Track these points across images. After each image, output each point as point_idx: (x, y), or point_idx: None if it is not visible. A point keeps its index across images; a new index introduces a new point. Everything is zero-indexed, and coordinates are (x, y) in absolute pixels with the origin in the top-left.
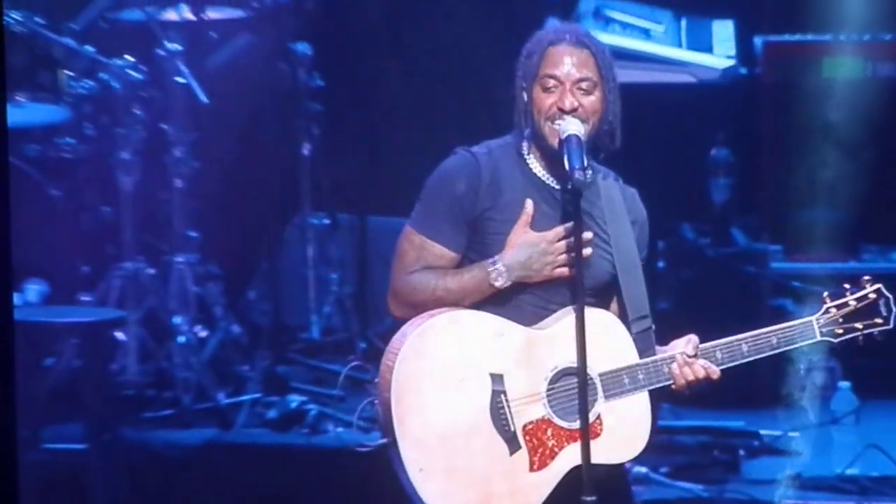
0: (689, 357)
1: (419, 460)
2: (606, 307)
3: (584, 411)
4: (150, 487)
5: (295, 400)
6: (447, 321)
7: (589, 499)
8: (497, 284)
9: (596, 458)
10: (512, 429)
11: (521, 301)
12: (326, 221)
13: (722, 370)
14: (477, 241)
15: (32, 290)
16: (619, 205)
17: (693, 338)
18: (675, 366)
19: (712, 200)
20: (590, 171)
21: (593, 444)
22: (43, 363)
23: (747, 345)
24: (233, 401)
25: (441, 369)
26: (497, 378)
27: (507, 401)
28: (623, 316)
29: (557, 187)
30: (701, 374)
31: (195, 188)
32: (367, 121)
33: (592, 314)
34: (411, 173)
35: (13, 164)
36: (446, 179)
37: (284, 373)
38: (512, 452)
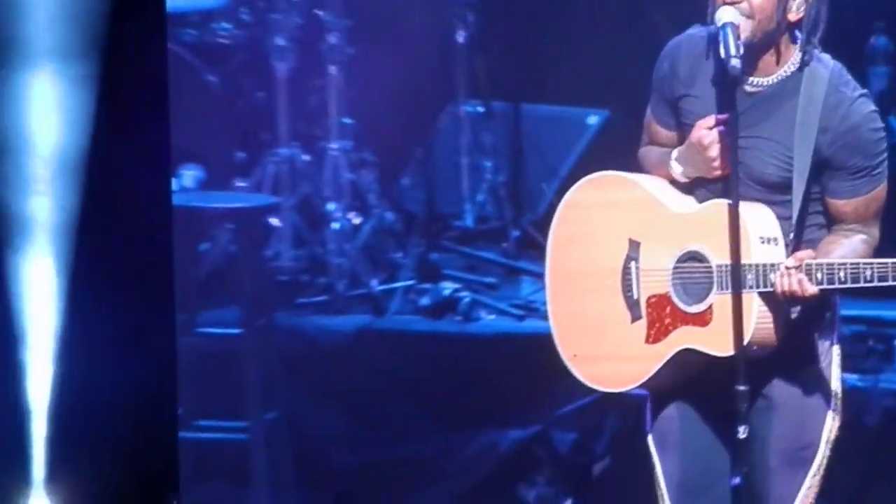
0: (789, 268)
1: (552, 288)
2: (785, 210)
3: (737, 305)
4: (303, 373)
5: (448, 287)
6: (600, 180)
7: (742, 388)
8: (675, 176)
9: (700, 345)
10: (636, 296)
11: (698, 196)
12: (480, 109)
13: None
14: (679, 125)
15: (189, 175)
16: (813, 108)
17: (807, 252)
18: (776, 274)
19: (870, 90)
20: (738, 62)
21: (700, 331)
22: (198, 248)
23: (844, 272)
24: (386, 287)
25: (586, 221)
26: (634, 244)
27: (637, 269)
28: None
29: (748, 83)
30: (795, 287)
31: (350, 75)
32: (523, 8)
33: (743, 208)
34: (566, 61)
35: (171, 49)
36: (659, 60)
37: (438, 260)
38: (633, 320)
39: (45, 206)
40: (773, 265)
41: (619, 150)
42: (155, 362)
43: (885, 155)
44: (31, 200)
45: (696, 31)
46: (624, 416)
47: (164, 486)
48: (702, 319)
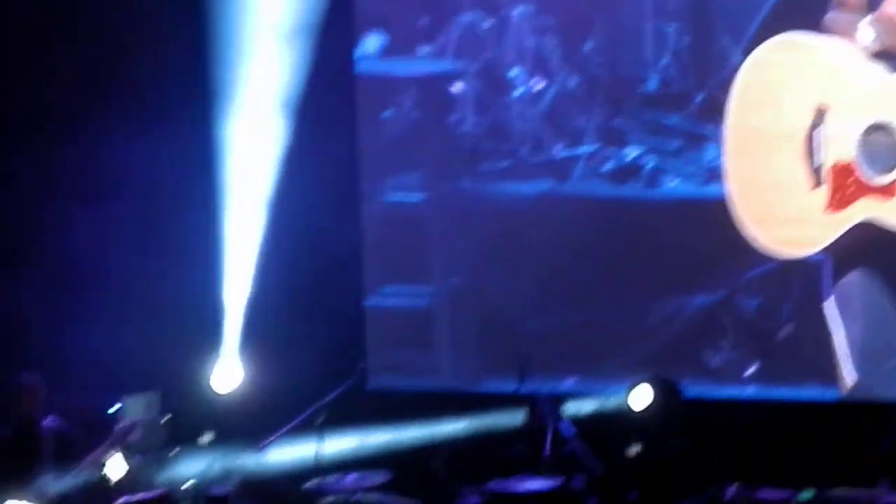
0: None
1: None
2: None
3: None
4: (486, 239)
5: (631, 152)
6: (787, 42)
7: None
8: (864, 44)
9: (883, 217)
10: (819, 163)
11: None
12: None
13: None
14: None
15: (372, 41)
16: None
17: None
18: None
19: None
20: None
21: (883, 203)
22: (382, 115)
23: None
24: (569, 153)
25: (771, 84)
26: (820, 111)
27: (822, 135)
28: None
29: None
30: None
31: None
32: None
33: None
34: None
35: None
36: None
37: (621, 125)
38: (814, 187)
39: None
40: None
41: (805, 11)
42: (341, 231)
43: None
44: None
45: None
46: (807, 281)
47: (352, 352)
48: (887, 191)
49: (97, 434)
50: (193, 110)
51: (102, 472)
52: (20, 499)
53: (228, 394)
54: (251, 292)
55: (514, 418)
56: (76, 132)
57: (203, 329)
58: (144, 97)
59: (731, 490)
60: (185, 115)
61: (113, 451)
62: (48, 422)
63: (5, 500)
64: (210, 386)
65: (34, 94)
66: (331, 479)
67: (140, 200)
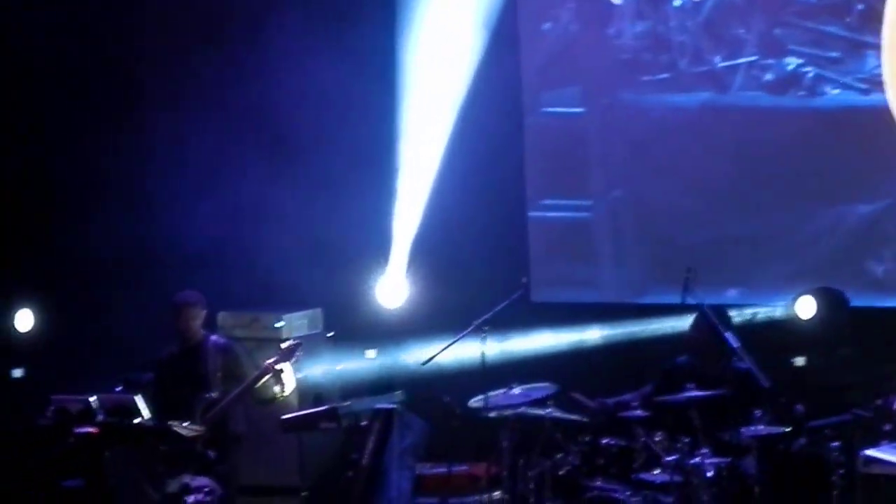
0: None
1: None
2: None
3: None
4: (647, 151)
5: (792, 62)
6: None
7: None
8: None
9: None
10: None
11: None
12: None
13: None
14: None
15: None
16: None
17: None
18: None
19: None
20: None
21: None
22: (542, 28)
23: None
24: (729, 63)
25: None
26: None
27: None
28: None
29: None
30: None
31: None
32: None
33: None
34: None
35: None
36: None
37: (781, 35)
38: None
39: None
40: None
41: None
42: (505, 145)
43: None
44: None
45: None
46: None
47: (515, 265)
48: None
49: (263, 351)
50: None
51: (268, 388)
52: (187, 418)
53: (394, 309)
54: (420, 209)
55: (678, 330)
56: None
57: (370, 245)
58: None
59: None
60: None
61: (279, 368)
62: (214, 339)
63: (174, 419)
64: (376, 302)
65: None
66: (496, 393)
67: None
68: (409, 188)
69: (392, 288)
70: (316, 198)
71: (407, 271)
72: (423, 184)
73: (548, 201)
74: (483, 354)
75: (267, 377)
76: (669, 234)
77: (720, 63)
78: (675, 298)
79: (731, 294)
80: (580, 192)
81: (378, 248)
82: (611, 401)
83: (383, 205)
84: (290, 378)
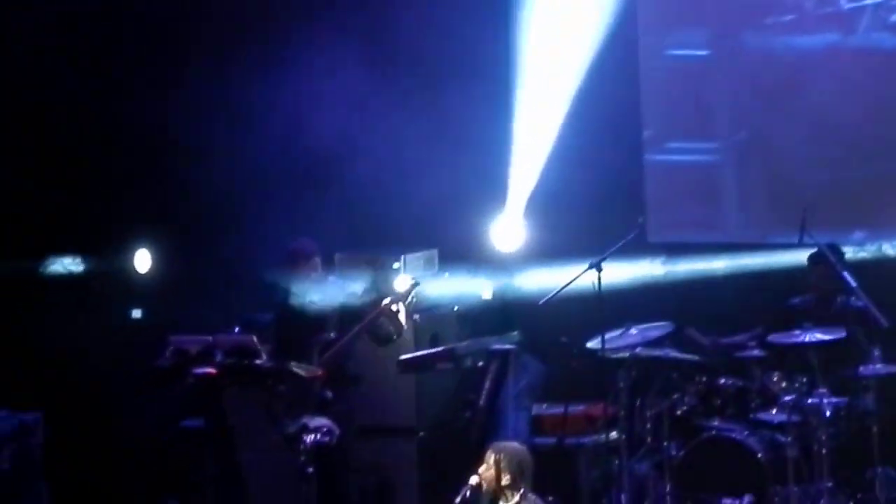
0: None
1: None
2: None
3: None
4: (773, 93)
5: None
6: None
7: None
8: None
9: None
10: None
11: None
12: None
13: None
14: None
15: None
16: None
17: None
18: None
19: None
20: None
21: None
22: None
23: None
24: (856, 5)
25: None
26: None
27: None
28: None
29: None
30: None
31: None
32: None
33: None
34: None
35: None
36: None
37: None
38: None
39: None
40: None
41: None
42: (619, 87)
43: None
44: None
45: None
46: None
47: (632, 207)
48: None
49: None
50: None
51: (384, 329)
52: (305, 359)
53: (510, 251)
54: (537, 151)
55: (796, 269)
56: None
57: (487, 187)
58: None
59: None
60: None
61: (395, 308)
62: (335, 279)
63: (292, 360)
64: (493, 243)
65: None
66: (613, 333)
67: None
68: (527, 131)
69: (509, 229)
70: (434, 140)
71: (524, 213)
72: (541, 127)
73: (670, 144)
74: (600, 295)
75: (382, 318)
76: (793, 175)
77: (846, 4)
78: (795, 239)
79: (856, 236)
80: (703, 135)
81: (495, 190)
82: (725, 340)
83: (500, 148)
84: (404, 319)
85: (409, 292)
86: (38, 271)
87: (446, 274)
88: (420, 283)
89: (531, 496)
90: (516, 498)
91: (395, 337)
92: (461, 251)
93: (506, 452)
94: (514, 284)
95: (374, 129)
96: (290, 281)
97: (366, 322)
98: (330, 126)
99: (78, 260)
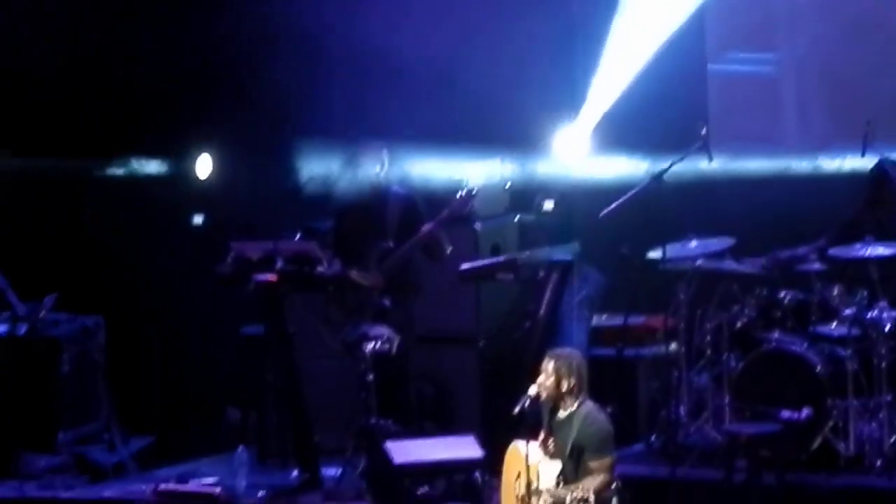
0: None
1: None
2: None
3: None
4: (834, 4)
5: None
6: None
7: None
8: None
9: None
10: None
11: None
12: None
13: None
14: None
15: None
16: None
17: None
18: None
19: None
20: None
21: None
22: None
23: None
24: None
25: None
26: None
27: None
28: None
29: None
30: None
31: None
32: None
33: None
34: None
35: None
36: None
37: None
38: None
39: None
40: None
41: None
42: None
43: None
44: None
45: None
46: None
47: (694, 118)
48: None
49: (441, 200)
50: None
51: (443, 239)
52: (365, 266)
53: (572, 164)
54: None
55: (857, 183)
56: None
57: (553, 99)
58: None
59: None
60: None
61: (455, 217)
62: (396, 189)
63: (353, 267)
64: (556, 154)
65: None
66: (673, 246)
67: None
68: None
69: (574, 142)
70: (501, 50)
71: (591, 127)
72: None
73: (730, 54)
74: (661, 207)
75: (439, 232)
76: (855, 88)
77: None
78: (856, 152)
79: None
80: (764, 46)
81: (562, 101)
82: (785, 253)
83: (563, 60)
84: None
85: (467, 201)
86: (100, 173)
87: (509, 184)
88: (478, 194)
89: (589, 402)
90: (575, 405)
91: (446, 253)
92: (526, 161)
93: (564, 359)
94: (576, 194)
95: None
96: (354, 180)
97: (424, 233)
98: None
99: (140, 163)
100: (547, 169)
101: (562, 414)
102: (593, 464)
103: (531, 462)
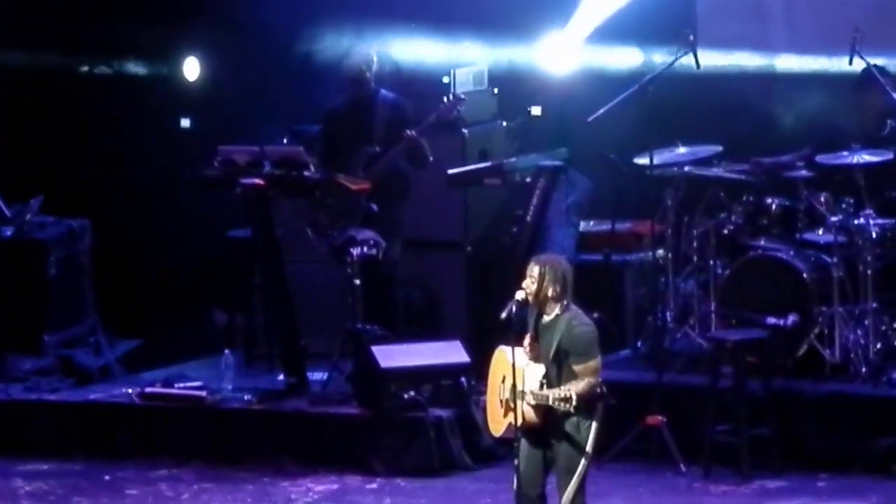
0: None
1: None
2: None
3: None
4: None
5: None
6: None
7: None
8: None
9: None
10: None
11: None
12: None
13: None
14: None
15: None
16: None
17: None
18: None
19: None
20: None
21: None
22: None
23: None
24: None
25: None
26: None
27: None
28: None
29: None
30: None
31: None
32: None
33: None
34: None
35: None
36: None
37: None
38: None
39: None
40: None
41: None
42: None
43: None
44: None
45: None
46: None
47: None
48: None
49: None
50: None
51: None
52: (352, 171)
53: (559, 73)
54: None
55: (844, 89)
56: None
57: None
58: None
59: None
60: None
61: (442, 122)
62: (384, 94)
63: (340, 172)
64: (544, 61)
65: None
66: (661, 152)
67: None
68: None
69: (561, 51)
70: None
71: (579, 37)
72: None
73: None
74: (649, 112)
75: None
76: None
77: None
78: (843, 58)
79: None
80: None
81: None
82: (770, 160)
83: None
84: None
85: (454, 106)
86: (88, 72)
87: (496, 90)
88: (465, 99)
89: (574, 307)
90: (558, 310)
91: (428, 161)
92: (513, 68)
93: (549, 264)
94: (564, 100)
95: None
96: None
97: (407, 140)
98: None
99: (128, 64)
100: (535, 74)
101: (546, 318)
102: (577, 367)
103: (517, 366)
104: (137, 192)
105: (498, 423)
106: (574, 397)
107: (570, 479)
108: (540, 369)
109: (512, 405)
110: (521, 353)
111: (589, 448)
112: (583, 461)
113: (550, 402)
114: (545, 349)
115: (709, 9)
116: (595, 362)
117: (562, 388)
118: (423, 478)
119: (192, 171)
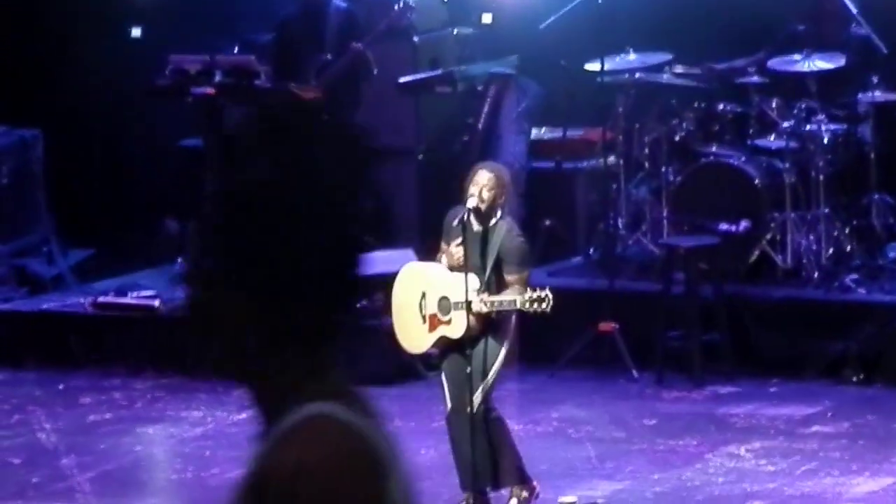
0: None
1: None
2: None
3: None
4: None
5: None
6: None
7: None
8: None
9: None
10: None
11: None
12: None
13: None
14: None
15: None
16: None
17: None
18: None
19: None
20: None
21: None
22: None
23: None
24: None
25: None
26: None
27: None
28: None
29: None
30: None
31: None
32: None
33: None
34: None
35: None
36: None
37: None
38: None
39: None
40: None
41: None
42: None
43: None
44: None
45: None
46: None
47: None
48: None
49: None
50: None
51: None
52: (303, 79)
53: None
54: None
55: None
56: None
57: None
58: None
59: None
60: None
61: (393, 30)
62: (336, 2)
63: (292, 81)
64: None
65: None
66: (612, 58)
67: None
68: None
69: None
70: None
71: None
72: None
73: None
74: (600, 18)
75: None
76: None
77: None
78: None
79: None
80: None
81: None
82: (722, 65)
83: None
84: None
85: (403, 13)
86: None
87: None
88: (415, 7)
89: (509, 217)
90: (496, 218)
91: (372, 74)
92: None
93: (499, 172)
94: (515, 7)
95: None
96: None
97: (352, 51)
98: None
99: None
100: None
101: (478, 227)
102: (511, 277)
103: (437, 278)
104: (88, 102)
105: (421, 340)
106: (550, 297)
107: (484, 380)
108: (472, 279)
109: (443, 318)
110: (434, 266)
111: (504, 349)
112: (498, 360)
113: (519, 306)
114: (478, 258)
115: None
116: (528, 273)
117: (527, 292)
118: (378, 385)
119: (143, 80)
